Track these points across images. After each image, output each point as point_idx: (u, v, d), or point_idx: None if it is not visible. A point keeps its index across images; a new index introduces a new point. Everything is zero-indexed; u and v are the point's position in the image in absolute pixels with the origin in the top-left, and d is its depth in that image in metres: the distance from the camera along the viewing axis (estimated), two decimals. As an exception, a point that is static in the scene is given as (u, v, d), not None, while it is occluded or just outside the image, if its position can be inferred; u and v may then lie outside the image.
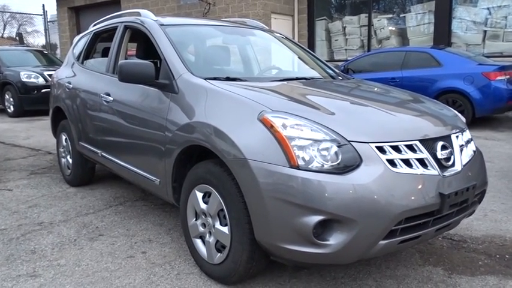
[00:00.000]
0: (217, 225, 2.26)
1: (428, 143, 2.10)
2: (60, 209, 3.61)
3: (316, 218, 1.85)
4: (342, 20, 10.82)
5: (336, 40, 11.07)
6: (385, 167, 1.92)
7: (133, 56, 4.12)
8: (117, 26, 3.57)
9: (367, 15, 10.39)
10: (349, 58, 9.84)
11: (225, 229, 2.21)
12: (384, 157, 1.94)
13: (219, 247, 2.30)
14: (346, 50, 10.95)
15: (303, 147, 1.91)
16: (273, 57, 3.21)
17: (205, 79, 2.56)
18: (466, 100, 6.90)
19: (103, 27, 3.88)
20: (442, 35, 9.08)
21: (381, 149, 1.96)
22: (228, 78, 2.66)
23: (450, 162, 2.15)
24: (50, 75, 9.23)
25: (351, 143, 1.93)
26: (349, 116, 2.12)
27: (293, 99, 2.27)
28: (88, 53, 4.07)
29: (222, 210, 2.23)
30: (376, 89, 2.87)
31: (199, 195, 2.38)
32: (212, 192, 2.26)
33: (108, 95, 3.23)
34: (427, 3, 9.56)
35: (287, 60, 3.29)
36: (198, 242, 2.46)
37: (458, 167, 2.17)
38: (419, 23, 9.59)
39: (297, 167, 1.89)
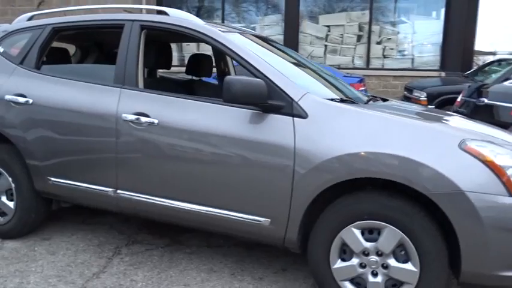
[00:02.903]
0: (394, 263, 2.07)
1: None
2: (46, 275, 2.58)
3: (537, 242, 1.94)
4: (193, 24, 10.60)
5: (187, 45, 10.79)
6: None
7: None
8: (120, 25, 2.74)
9: (219, 21, 10.50)
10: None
11: (408, 266, 2.05)
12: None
13: (389, 286, 2.11)
14: (197, 55, 10.76)
15: (515, 174, 1.95)
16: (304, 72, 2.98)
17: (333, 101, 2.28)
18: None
19: (78, 23, 2.89)
20: (291, 46, 9.96)
21: None
22: (342, 101, 2.42)
23: None
24: None
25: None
26: (506, 138, 2.26)
27: (461, 122, 2.28)
28: (42, 54, 2.97)
29: (398, 246, 2.06)
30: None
31: (357, 232, 2.12)
32: (386, 227, 2.06)
33: (145, 116, 2.47)
34: (277, 15, 10.34)
35: (318, 76, 3.11)
36: (347, 285, 2.19)
37: None
38: (270, 34, 10.26)
39: (516, 195, 1.92)
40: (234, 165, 2.29)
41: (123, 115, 2.53)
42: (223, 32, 2.58)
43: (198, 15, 10.58)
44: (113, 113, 2.56)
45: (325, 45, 10.22)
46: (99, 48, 3.92)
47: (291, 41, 10.04)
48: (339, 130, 2.13)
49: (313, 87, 2.53)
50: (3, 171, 2.96)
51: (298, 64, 2.99)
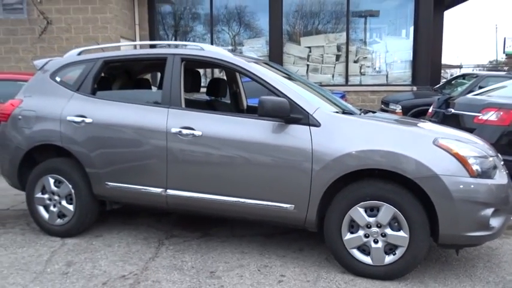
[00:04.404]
0: (390, 231, 2.79)
1: None
2: (112, 260, 3.18)
3: (491, 210, 2.69)
4: (184, 47, 11.30)
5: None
6: (505, 170, 2.92)
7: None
8: (163, 58, 3.42)
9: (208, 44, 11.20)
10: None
11: (401, 233, 2.76)
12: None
13: (387, 250, 2.82)
14: (188, 76, 11.44)
15: (474, 162, 2.71)
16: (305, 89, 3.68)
17: (336, 113, 3.03)
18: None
19: (127, 57, 3.57)
20: (277, 66, 10.79)
21: None
22: (344, 112, 3.16)
23: None
24: None
25: (492, 157, 2.85)
26: (466, 137, 3.03)
27: (433, 127, 3.04)
28: (95, 82, 3.62)
29: (393, 219, 2.78)
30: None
31: (362, 210, 2.83)
32: (383, 205, 2.77)
33: (191, 129, 3.14)
34: (262, 38, 11.19)
35: (318, 93, 3.84)
36: (355, 252, 2.89)
37: None
38: (257, 54, 11.07)
39: (475, 176, 2.68)
40: (265, 165, 2.98)
41: (172, 129, 3.20)
42: (248, 62, 3.29)
43: (186, 38, 11.34)
44: (163, 127, 3.23)
45: (307, 65, 11.11)
46: (127, 75, 4.58)
47: (275, 61, 10.84)
48: (344, 135, 2.86)
49: (318, 103, 3.24)
50: (64, 180, 3.56)
51: (302, 83, 3.72)
